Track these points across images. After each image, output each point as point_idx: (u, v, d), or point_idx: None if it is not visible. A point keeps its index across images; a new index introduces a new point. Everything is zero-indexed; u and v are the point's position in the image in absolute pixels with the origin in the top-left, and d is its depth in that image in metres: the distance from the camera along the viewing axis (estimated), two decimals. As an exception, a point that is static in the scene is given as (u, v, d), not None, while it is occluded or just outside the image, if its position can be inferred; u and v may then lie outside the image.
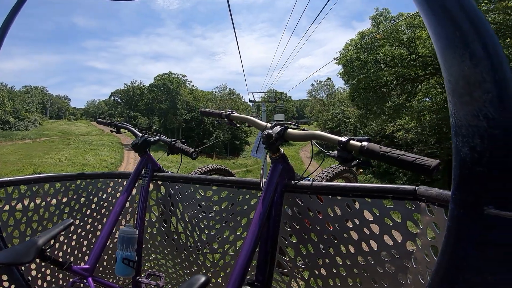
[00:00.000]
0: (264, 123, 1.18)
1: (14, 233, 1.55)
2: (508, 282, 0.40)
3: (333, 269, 1.14)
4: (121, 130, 1.84)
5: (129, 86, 47.27)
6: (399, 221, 0.95)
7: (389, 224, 0.97)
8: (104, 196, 1.90)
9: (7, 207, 1.54)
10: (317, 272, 1.19)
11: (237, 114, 1.37)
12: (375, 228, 1.01)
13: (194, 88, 50.07)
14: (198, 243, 1.60)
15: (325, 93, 45.74)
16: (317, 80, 46.31)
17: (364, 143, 0.82)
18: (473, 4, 0.40)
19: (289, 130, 1.07)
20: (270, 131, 1.05)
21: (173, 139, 1.59)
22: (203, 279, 0.80)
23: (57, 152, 27.21)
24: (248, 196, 1.36)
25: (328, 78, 45.51)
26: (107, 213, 1.90)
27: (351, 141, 0.85)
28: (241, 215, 1.40)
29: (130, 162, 26.93)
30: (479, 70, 0.38)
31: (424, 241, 0.89)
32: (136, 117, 44.04)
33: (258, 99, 26.48)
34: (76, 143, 32.93)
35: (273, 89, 29.42)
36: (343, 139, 0.86)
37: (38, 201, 1.67)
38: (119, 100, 48.21)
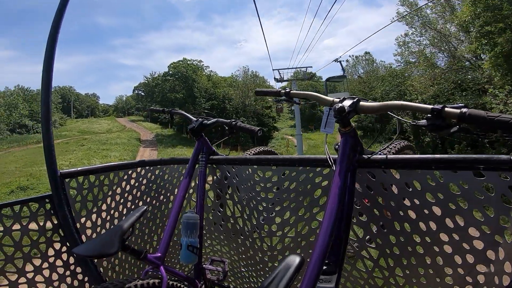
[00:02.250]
0: (330, 98, 1.16)
1: (87, 223, 1.58)
2: None
3: (409, 247, 1.09)
4: (175, 116, 1.89)
5: (148, 78, 43.87)
6: (492, 195, 0.89)
7: (480, 198, 0.91)
8: (162, 183, 1.94)
9: (79, 198, 1.57)
10: (388, 251, 1.15)
11: (298, 91, 1.37)
12: (463, 203, 0.95)
13: (212, 74, 45.35)
14: (256, 227, 1.58)
15: (364, 70, 38.80)
16: (353, 56, 39.09)
17: (464, 109, 0.77)
18: None
19: (362, 102, 1.03)
20: (341, 104, 1.02)
21: (233, 119, 1.60)
22: (298, 259, 0.79)
23: (65, 156, 24.56)
24: (311, 174, 1.31)
25: (366, 52, 38.28)
26: (165, 200, 1.94)
27: (447, 108, 0.81)
28: (303, 195, 1.36)
29: (141, 162, 23.59)
30: None
31: None
32: None
33: (286, 76, 21.51)
34: (90, 143, 30.76)
35: (300, 70, 23.31)
36: (437, 106, 0.82)
37: (105, 190, 1.71)
38: (142, 94, 45.11)
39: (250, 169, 1.54)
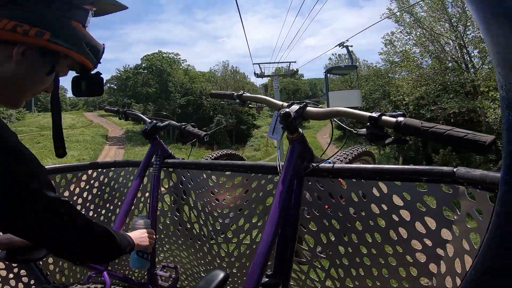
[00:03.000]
0: (280, 102, 1.12)
1: None
2: None
3: (357, 258, 1.10)
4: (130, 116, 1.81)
5: (120, 71, 40.54)
6: (434, 207, 0.88)
7: (422, 210, 0.91)
8: (116, 185, 1.89)
9: None
10: (338, 262, 1.15)
11: (249, 94, 1.33)
12: (406, 215, 0.94)
13: (190, 69, 42.75)
14: (212, 233, 1.56)
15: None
16: (336, 54, 38.00)
17: (400, 118, 0.75)
18: None
19: (309, 107, 1.01)
20: (287, 110, 0.98)
21: (183, 123, 1.53)
22: (221, 275, 0.78)
23: (12, 154, 21.30)
24: (263, 181, 1.30)
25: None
26: (119, 203, 1.88)
27: (384, 117, 0.78)
28: (256, 202, 1.35)
29: (104, 162, 21.22)
30: None
31: (462, 228, 0.84)
32: (131, 104, 37.84)
33: (267, 72, 19.69)
34: (47, 141, 27.54)
35: (282, 66, 21.43)
36: (374, 114, 0.79)
37: None
38: (115, 87, 41.73)
39: (204, 174, 1.51)
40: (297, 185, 1.06)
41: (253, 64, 18.68)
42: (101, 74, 0.84)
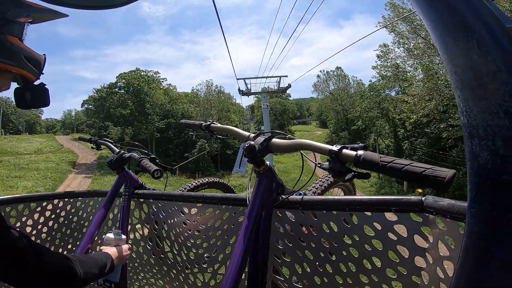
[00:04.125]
0: (246, 133, 1.12)
1: None
2: None
3: None
4: (102, 146, 1.82)
5: (98, 91, 37.35)
6: (405, 236, 0.89)
7: (393, 239, 0.91)
8: (85, 215, 1.89)
9: None
10: None
11: (218, 125, 1.32)
12: (378, 244, 0.94)
13: (171, 88, 40.16)
14: (187, 262, 1.54)
15: (335, 86, 36.41)
16: (323, 71, 36.66)
17: (360, 152, 0.73)
18: None
19: (274, 140, 1.00)
20: (252, 142, 0.97)
21: (143, 156, 1.54)
22: None
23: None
24: (234, 213, 1.30)
25: (337, 67, 36.01)
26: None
27: (344, 150, 0.77)
28: (229, 234, 1.34)
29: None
30: (490, 58, 0.33)
31: (435, 255, 0.83)
32: (108, 128, 34.51)
33: (255, 89, 17.31)
34: (3, 168, 23.78)
35: (268, 85, 19.04)
36: (335, 148, 0.78)
37: (12, 222, 1.67)
38: (93, 109, 38.53)
39: (176, 206, 1.51)
40: (265, 217, 1.08)
41: (237, 79, 16.19)
42: (45, 85, 0.86)
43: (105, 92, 35.19)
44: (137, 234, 1.77)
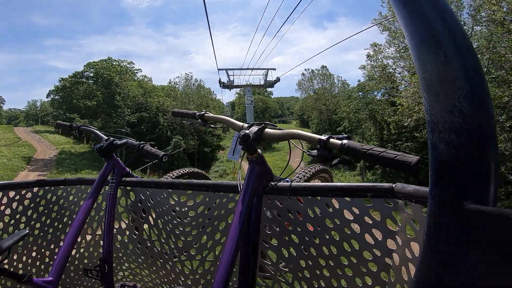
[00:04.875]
0: (240, 123, 1.17)
1: None
2: (489, 277, 0.40)
3: (317, 270, 1.15)
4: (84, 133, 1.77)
5: (62, 80, 33.59)
6: (379, 220, 0.97)
7: (369, 223, 0.99)
8: (66, 204, 1.84)
9: None
10: (300, 275, 1.20)
11: (212, 114, 1.35)
12: (356, 227, 1.02)
13: (146, 80, 37.22)
14: (175, 250, 1.54)
15: (320, 85, 35.25)
16: (308, 69, 35.42)
17: (345, 141, 0.84)
18: (446, 3, 0.42)
19: (267, 130, 1.06)
20: (247, 131, 1.03)
21: (142, 142, 1.52)
22: None
23: None
24: (225, 199, 1.33)
25: (323, 66, 34.84)
26: (69, 222, 1.82)
27: (331, 139, 0.87)
28: (218, 220, 1.37)
29: None
30: (453, 68, 0.39)
31: (403, 238, 0.92)
32: (74, 120, 31.09)
33: (238, 82, 15.45)
34: None
35: (251, 79, 17.22)
36: (323, 137, 0.88)
37: None
38: (60, 100, 34.85)
39: (165, 193, 1.50)
40: (256, 203, 1.14)
41: (219, 69, 14.31)
42: None
43: (69, 82, 31.65)
44: (122, 223, 1.73)
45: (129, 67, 36.08)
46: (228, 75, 15.15)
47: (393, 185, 0.92)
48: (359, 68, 21.85)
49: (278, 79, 15.88)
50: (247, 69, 15.93)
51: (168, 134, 30.09)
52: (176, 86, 36.09)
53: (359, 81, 25.40)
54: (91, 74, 32.49)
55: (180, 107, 31.78)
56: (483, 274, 0.40)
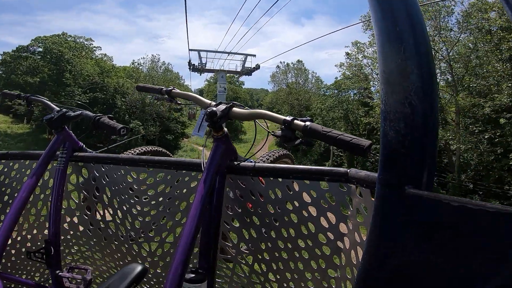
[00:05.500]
0: (208, 101, 1.16)
1: None
2: (428, 258, 0.43)
3: (276, 253, 1.16)
4: (33, 103, 1.62)
5: (6, 54, 28.59)
6: (333, 204, 1.00)
7: (324, 206, 1.01)
8: (7, 181, 1.66)
9: None
10: (260, 257, 1.21)
11: (179, 91, 1.31)
12: (313, 210, 1.04)
13: (104, 59, 33.26)
14: (131, 232, 1.46)
15: (294, 79, 34.27)
16: (283, 62, 34.30)
17: (308, 123, 0.86)
18: (417, 6, 0.45)
19: (234, 108, 1.05)
20: (214, 108, 1.02)
21: (98, 114, 1.38)
22: (139, 268, 0.77)
23: None
24: (187, 178, 1.28)
25: (298, 61, 33.85)
26: (10, 200, 1.65)
27: (296, 121, 0.88)
28: (179, 199, 1.32)
29: None
30: (410, 63, 0.43)
31: (354, 222, 0.95)
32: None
33: (211, 66, 13.62)
34: None
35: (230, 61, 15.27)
36: (288, 118, 0.90)
37: None
38: (4, 75, 29.63)
39: (122, 170, 1.41)
40: (219, 182, 1.10)
41: (190, 50, 12.36)
42: None
43: (10, 56, 27.08)
44: (71, 202, 1.59)
45: (86, 43, 31.99)
46: (200, 57, 13.30)
47: (348, 170, 0.94)
48: (335, 65, 21.33)
49: (258, 67, 14.34)
50: (223, 52, 14.04)
51: (126, 118, 27.05)
52: (140, 67, 32.66)
53: (336, 78, 24.94)
54: (41, 49, 28.16)
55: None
56: (423, 255, 0.43)
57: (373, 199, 0.77)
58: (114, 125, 1.26)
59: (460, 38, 15.32)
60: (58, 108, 1.45)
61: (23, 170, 1.61)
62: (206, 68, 14.02)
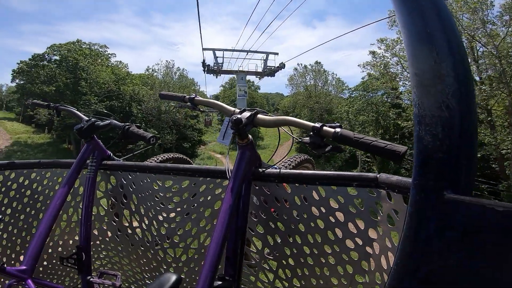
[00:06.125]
0: (232, 108, 1.15)
1: None
2: (467, 265, 0.43)
3: (301, 258, 1.15)
4: (62, 112, 1.64)
5: (20, 63, 28.91)
6: (362, 209, 0.98)
7: (353, 212, 1.00)
8: (40, 188, 1.72)
9: None
10: (285, 263, 1.20)
11: (202, 98, 1.30)
12: (340, 216, 1.03)
13: (120, 66, 33.08)
14: (157, 238, 1.49)
15: (313, 81, 32.53)
16: (301, 64, 32.78)
17: (338, 129, 0.85)
18: (444, 5, 0.44)
19: (259, 115, 1.05)
20: (239, 116, 1.02)
21: (127, 123, 1.39)
22: (174, 278, 0.79)
23: None
24: (212, 185, 1.29)
25: (317, 62, 32.21)
26: (43, 207, 1.72)
27: (325, 127, 0.87)
28: (204, 206, 1.33)
29: None
30: (444, 65, 0.42)
31: (384, 227, 0.93)
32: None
33: (227, 68, 12.40)
34: None
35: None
36: (317, 125, 0.88)
37: None
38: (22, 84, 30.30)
39: (148, 178, 1.44)
40: (245, 190, 1.10)
41: (204, 49, 11.10)
42: None
43: (27, 65, 27.23)
44: (101, 209, 1.64)
45: (101, 50, 31.87)
46: (215, 57, 12.07)
47: (378, 175, 0.93)
48: (358, 65, 19.72)
49: (283, 65, 12.87)
50: (241, 51, 12.49)
51: (142, 126, 26.50)
52: (155, 74, 32.14)
53: (363, 78, 23.09)
54: (57, 57, 28.22)
55: (156, 98, 28.24)
56: (460, 262, 0.42)
57: (405, 204, 0.76)
58: (143, 134, 1.27)
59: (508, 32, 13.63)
60: (86, 118, 1.47)
61: (55, 178, 1.67)
62: (222, 69, 12.69)
